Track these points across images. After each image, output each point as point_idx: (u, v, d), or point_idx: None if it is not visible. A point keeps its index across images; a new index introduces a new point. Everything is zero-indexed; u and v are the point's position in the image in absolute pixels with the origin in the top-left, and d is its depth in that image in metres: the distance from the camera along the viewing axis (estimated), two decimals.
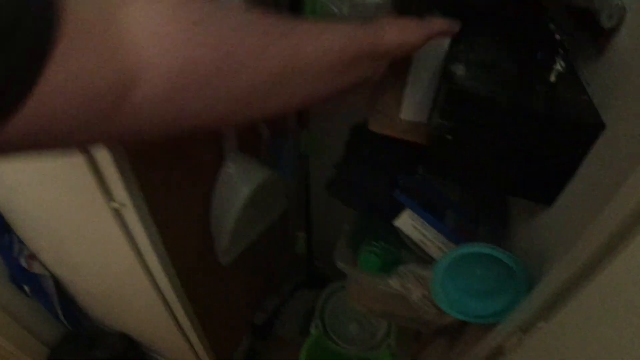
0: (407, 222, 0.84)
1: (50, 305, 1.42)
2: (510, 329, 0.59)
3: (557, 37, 0.64)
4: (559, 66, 0.56)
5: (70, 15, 0.23)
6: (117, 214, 0.83)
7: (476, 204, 0.88)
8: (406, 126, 0.75)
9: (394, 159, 0.90)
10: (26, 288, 1.29)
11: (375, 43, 0.47)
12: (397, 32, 0.50)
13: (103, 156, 0.71)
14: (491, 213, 0.87)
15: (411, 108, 0.73)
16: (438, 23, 0.58)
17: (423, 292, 0.82)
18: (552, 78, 0.57)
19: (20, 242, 1.20)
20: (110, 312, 1.48)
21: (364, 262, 0.87)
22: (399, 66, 0.64)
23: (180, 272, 1.00)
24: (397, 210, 0.85)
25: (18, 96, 0.22)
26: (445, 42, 0.66)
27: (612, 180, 0.49)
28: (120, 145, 0.71)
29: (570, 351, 0.47)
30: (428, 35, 0.56)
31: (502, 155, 0.66)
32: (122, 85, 0.27)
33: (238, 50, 0.32)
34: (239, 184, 0.98)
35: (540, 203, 0.68)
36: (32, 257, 1.25)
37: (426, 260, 0.88)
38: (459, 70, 0.64)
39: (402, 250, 0.91)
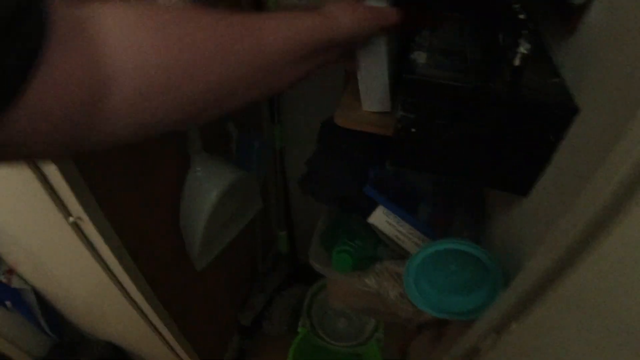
0: (381, 218, 0.81)
1: (34, 318, 1.39)
2: (484, 330, 0.56)
3: (522, 17, 0.60)
4: (523, 48, 0.53)
5: (57, 26, 0.25)
6: (77, 227, 0.80)
7: (450, 194, 0.85)
8: (370, 118, 0.72)
9: (364, 153, 0.86)
10: (7, 303, 1.26)
11: (331, 32, 0.48)
12: (351, 20, 0.50)
13: (52, 171, 0.68)
14: (466, 203, 0.84)
15: (369, 99, 0.70)
16: (390, 13, 0.56)
17: (399, 290, 0.79)
18: (517, 61, 0.53)
19: None
20: (92, 321, 1.45)
21: (336, 261, 0.84)
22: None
23: (151, 280, 0.97)
24: (371, 206, 0.81)
25: (13, 92, 0.23)
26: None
27: (588, 168, 0.46)
28: (68, 157, 0.67)
29: (543, 354, 0.44)
30: (381, 24, 0.55)
31: (471, 145, 0.63)
32: (99, 90, 0.28)
33: (204, 50, 0.34)
34: (206, 187, 0.94)
35: (515, 193, 0.65)
36: (11, 271, 1.22)
37: (404, 256, 0.85)
38: (420, 58, 0.61)
39: (378, 247, 0.88)
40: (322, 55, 0.49)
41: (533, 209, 0.63)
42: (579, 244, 0.37)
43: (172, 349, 1.30)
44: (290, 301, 1.78)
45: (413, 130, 0.61)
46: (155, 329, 1.16)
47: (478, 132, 0.61)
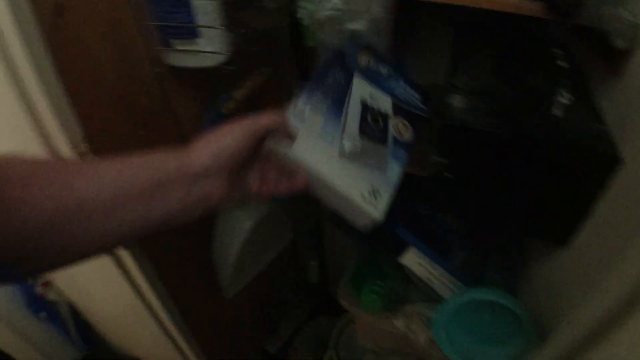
0: (413, 259, 0.79)
1: (66, 330, 1.42)
2: None
3: (562, 64, 0.59)
4: (563, 99, 0.51)
5: None
6: (114, 254, 0.82)
7: (484, 238, 0.83)
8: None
9: (398, 192, 0.85)
10: (42, 315, 1.30)
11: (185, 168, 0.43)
12: (208, 157, 0.44)
13: None
14: (501, 248, 0.81)
15: None
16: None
17: (429, 335, 0.77)
18: (557, 111, 0.52)
19: None
20: (121, 337, 1.47)
21: (365, 302, 0.82)
22: None
23: (181, 306, 0.98)
24: (403, 246, 0.80)
25: None
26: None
27: (632, 224, 0.44)
28: None
29: None
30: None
31: (507, 192, 0.61)
32: None
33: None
34: (240, 217, 0.94)
35: (553, 243, 0.63)
36: (47, 284, 1.25)
37: (435, 299, 0.83)
38: (455, 101, 0.60)
39: (408, 288, 0.86)
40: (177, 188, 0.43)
41: (572, 260, 0.60)
42: (621, 309, 0.35)
43: None
44: (317, 332, 1.75)
45: (448, 174, 0.60)
46: (182, 352, 1.16)
47: (514, 179, 0.59)
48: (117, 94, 0.66)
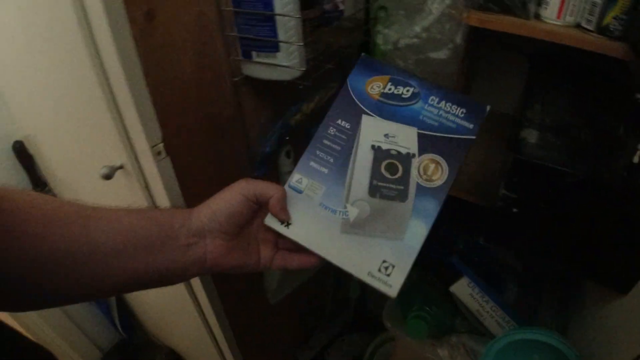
0: (464, 290, 0.78)
1: (109, 313, 1.50)
2: None
3: None
4: None
5: None
6: None
7: (540, 277, 0.81)
8: (469, 185, 0.70)
9: (454, 220, 0.84)
10: None
11: (187, 226, 0.44)
12: (205, 217, 0.45)
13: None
14: (556, 288, 0.79)
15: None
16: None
17: None
18: (637, 159, 0.50)
19: None
20: (161, 326, 1.52)
21: (411, 327, 0.81)
22: None
23: (226, 305, 1.00)
24: (454, 274, 0.79)
25: None
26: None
27: None
28: None
29: None
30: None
31: (573, 233, 0.59)
32: None
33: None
34: None
35: (613, 289, 0.61)
36: None
37: (481, 332, 0.81)
38: (530, 136, 0.59)
39: (455, 318, 0.85)
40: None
41: (631, 310, 0.58)
42: None
43: None
44: (350, 348, 1.74)
45: (514, 210, 0.59)
46: (219, 348, 1.18)
47: (582, 221, 0.58)
48: (195, 99, 0.70)
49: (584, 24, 0.56)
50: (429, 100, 0.50)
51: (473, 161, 0.76)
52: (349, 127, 0.49)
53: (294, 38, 0.67)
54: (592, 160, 0.55)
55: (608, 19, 0.52)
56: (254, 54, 0.69)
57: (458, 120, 0.49)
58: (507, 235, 0.64)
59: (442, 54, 0.59)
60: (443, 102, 0.49)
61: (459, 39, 0.58)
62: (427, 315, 0.80)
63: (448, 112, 0.49)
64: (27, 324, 1.32)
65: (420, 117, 0.49)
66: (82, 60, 0.61)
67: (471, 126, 0.48)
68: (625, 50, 0.52)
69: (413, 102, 0.50)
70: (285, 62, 0.68)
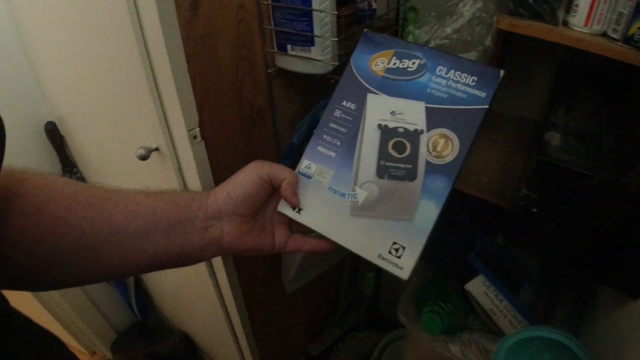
0: (480, 288, 0.80)
1: (126, 294, 1.54)
2: None
3: None
4: None
5: None
6: None
7: (557, 280, 0.82)
8: (490, 187, 0.72)
9: (473, 219, 0.86)
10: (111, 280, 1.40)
11: (204, 209, 0.45)
12: (222, 200, 0.46)
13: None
14: (572, 292, 0.80)
15: None
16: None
17: None
18: None
19: None
20: (178, 310, 1.55)
21: (426, 322, 0.83)
22: None
23: (245, 289, 1.03)
24: (470, 273, 0.81)
25: None
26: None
27: None
28: None
29: None
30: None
31: (591, 236, 0.61)
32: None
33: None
34: None
35: (626, 294, 0.62)
36: None
37: (493, 331, 0.83)
38: (553, 139, 0.61)
39: (469, 316, 0.86)
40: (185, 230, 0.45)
41: None
42: None
43: (242, 355, 1.34)
44: (361, 344, 1.76)
45: (534, 210, 0.60)
46: (234, 332, 1.21)
47: (601, 225, 0.59)
48: (230, 87, 0.73)
49: (610, 33, 0.57)
50: (437, 71, 0.46)
51: (494, 164, 0.77)
52: (354, 108, 0.48)
53: (328, 33, 0.69)
54: (613, 166, 0.57)
55: (634, 29, 0.53)
56: (289, 47, 0.72)
57: (469, 90, 0.45)
58: (525, 235, 0.66)
59: (471, 56, 0.61)
60: (452, 71, 0.46)
61: (488, 42, 0.60)
62: (442, 311, 0.82)
63: (457, 82, 0.46)
64: (46, 300, 1.38)
65: (428, 90, 0.46)
66: (128, 44, 0.65)
67: (483, 94, 0.44)
68: None
69: (419, 75, 0.47)
70: (319, 56, 0.71)
